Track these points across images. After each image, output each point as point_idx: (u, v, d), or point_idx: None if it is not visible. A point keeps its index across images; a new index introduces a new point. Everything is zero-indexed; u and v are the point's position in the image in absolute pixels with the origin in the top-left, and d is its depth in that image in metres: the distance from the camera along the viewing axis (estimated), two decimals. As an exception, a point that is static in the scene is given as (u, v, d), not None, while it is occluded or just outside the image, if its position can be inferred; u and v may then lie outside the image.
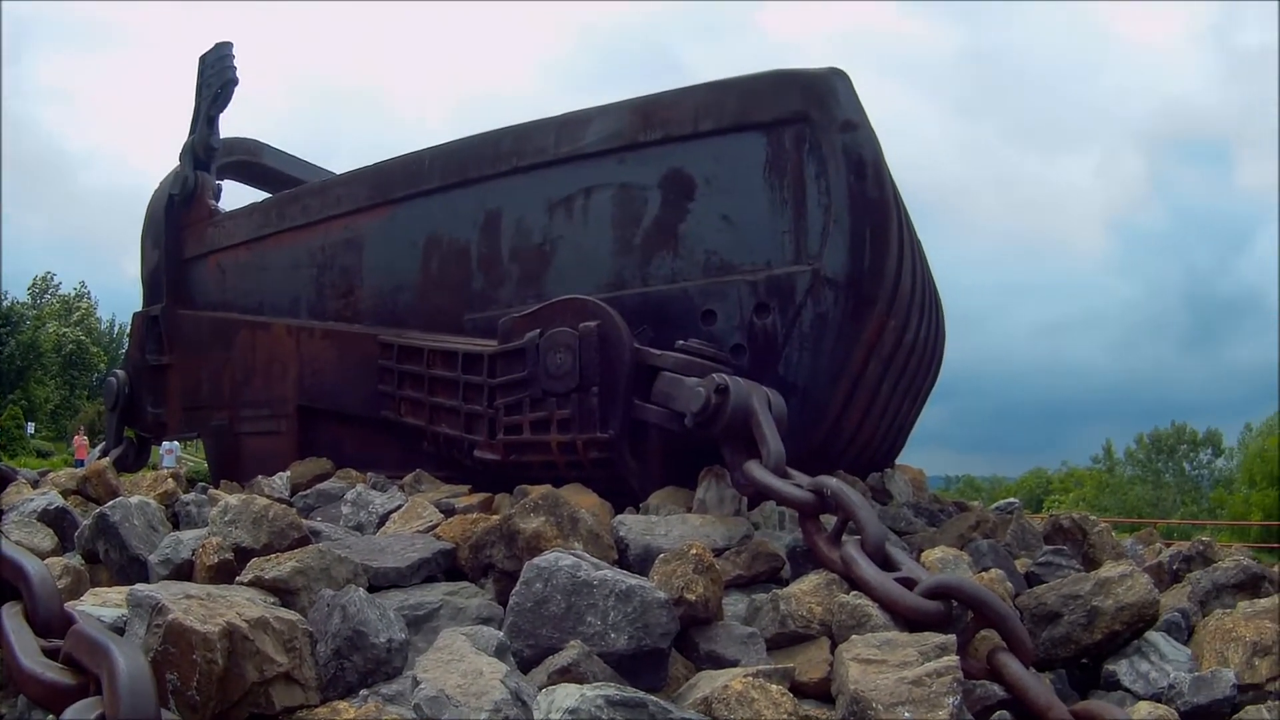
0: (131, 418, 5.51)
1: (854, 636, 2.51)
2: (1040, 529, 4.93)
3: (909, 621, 2.65)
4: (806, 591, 2.82)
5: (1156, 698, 3.29)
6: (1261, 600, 3.79)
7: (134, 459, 5.60)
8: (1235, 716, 3.07)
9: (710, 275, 3.50)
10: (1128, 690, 3.30)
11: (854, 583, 2.76)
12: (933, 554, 3.43)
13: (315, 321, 4.58)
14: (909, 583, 2.73)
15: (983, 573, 3.21)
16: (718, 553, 3.15)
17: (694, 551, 2.68)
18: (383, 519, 3.55)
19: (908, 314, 3.71)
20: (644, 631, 2.29)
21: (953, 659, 2.34)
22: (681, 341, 3.30)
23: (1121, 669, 3.30)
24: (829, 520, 3.00)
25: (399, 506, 3.58)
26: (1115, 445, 41.40)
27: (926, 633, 2.50)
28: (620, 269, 3.68)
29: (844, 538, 2.90)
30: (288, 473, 4.38)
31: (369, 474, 4.17)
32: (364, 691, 2.03)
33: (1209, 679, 3.18)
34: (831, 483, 2.89)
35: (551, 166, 3.82)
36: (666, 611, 2.35)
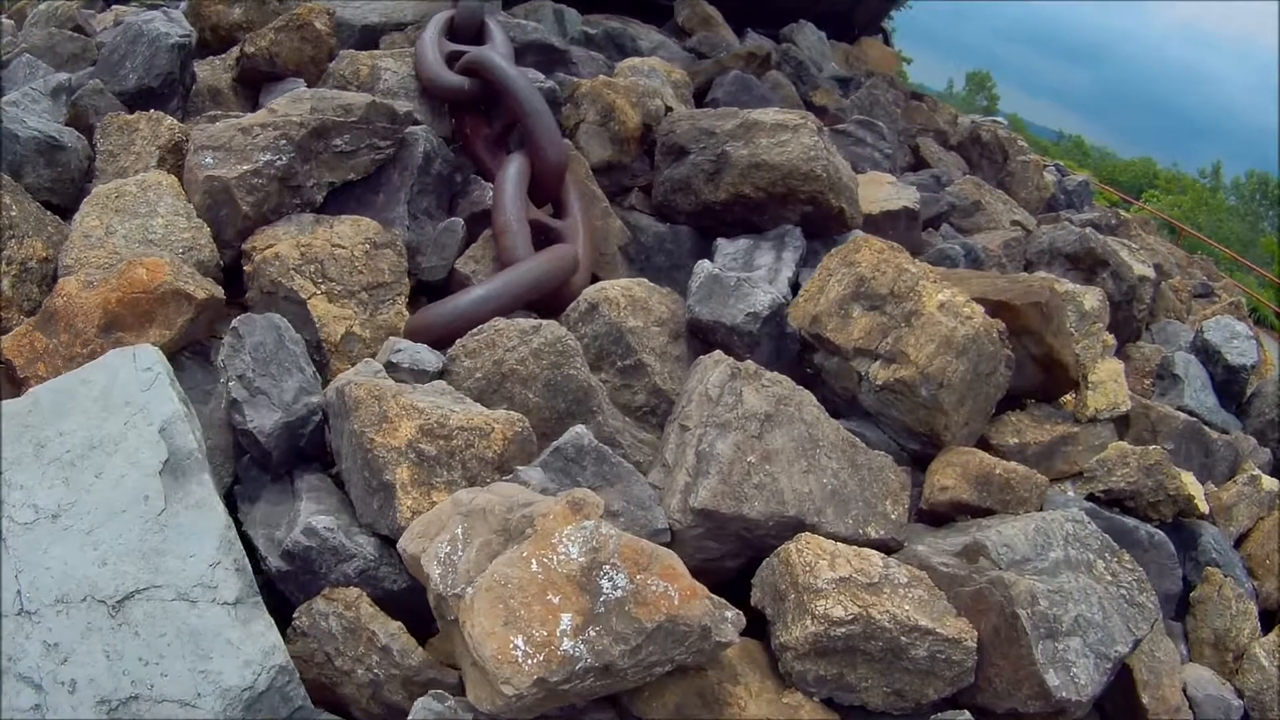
0: None
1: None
2: (961, 132, 4.77)
3: (433, 95, 2.45)
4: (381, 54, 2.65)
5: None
6: (1085, 291, 3.05)
7: None
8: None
9: None
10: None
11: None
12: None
13: None
14: (457, 57, 2.49)
15: (614, 78, 2.95)
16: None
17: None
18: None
19: None
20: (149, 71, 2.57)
21: (311, 104, 2.16)
22: None
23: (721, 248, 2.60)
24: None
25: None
26: (1224, 171, 36.36)
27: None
28: None
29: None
30: None
31: None
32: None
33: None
34: None
35: None
36: (175, 54, 2.60)
